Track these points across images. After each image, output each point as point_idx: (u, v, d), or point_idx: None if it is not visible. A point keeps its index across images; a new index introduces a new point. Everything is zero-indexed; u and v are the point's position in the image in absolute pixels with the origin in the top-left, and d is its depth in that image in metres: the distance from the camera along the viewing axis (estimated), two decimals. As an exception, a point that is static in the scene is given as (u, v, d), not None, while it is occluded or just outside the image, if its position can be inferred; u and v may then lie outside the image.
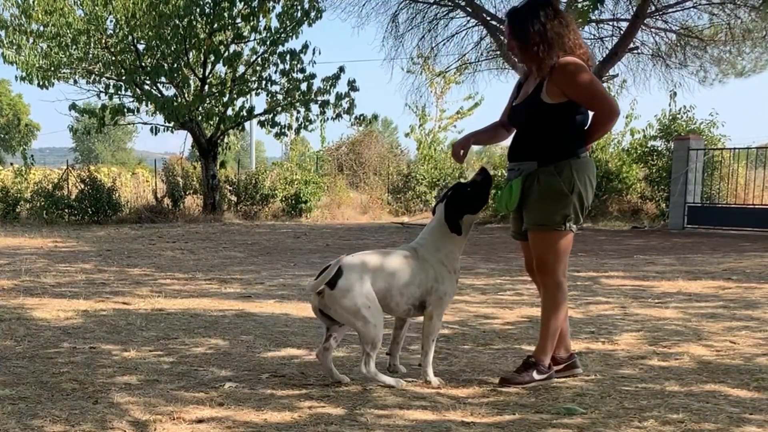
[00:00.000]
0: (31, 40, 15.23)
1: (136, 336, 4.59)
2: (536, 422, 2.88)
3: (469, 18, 15.82)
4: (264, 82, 16.56)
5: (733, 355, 4.00)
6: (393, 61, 17.06)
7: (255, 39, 16.26)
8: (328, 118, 16.98)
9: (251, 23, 15.75)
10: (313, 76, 16.29)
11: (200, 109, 15.88)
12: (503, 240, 11.84)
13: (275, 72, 16.43)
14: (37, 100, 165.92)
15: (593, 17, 11.86)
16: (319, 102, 16.52)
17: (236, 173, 19.31)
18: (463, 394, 3.29)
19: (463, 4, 15.36)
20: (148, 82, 15.94)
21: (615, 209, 16.39)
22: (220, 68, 16.89)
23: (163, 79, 15.88)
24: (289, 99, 16.56)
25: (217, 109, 16.37)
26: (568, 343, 3.64)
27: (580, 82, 3.28)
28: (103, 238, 12.27)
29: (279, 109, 16.82)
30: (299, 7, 15.70)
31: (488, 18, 14.88)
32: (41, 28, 15.07)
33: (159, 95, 15.96)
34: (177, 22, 15.12)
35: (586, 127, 3.42)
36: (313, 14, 15.71)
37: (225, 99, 16.33)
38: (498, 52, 15.66)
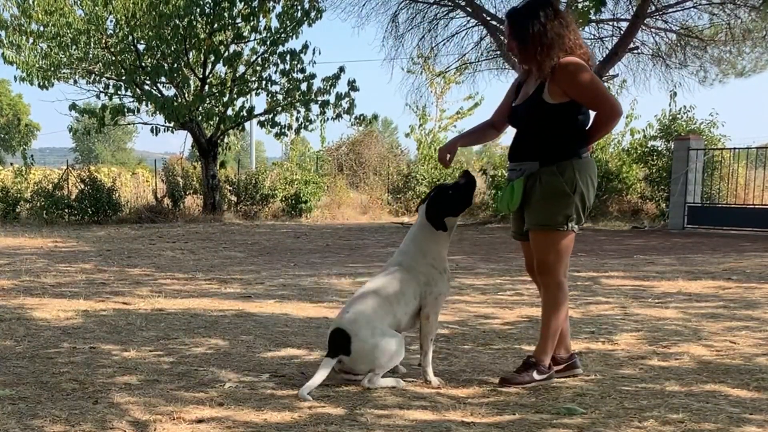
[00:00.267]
0: (31, 40, 15.23)
1: (136, 336, 4.59)
2: (536, 422, 2.88)
3: (469, 18, 15.83)
4: (264, 82, 16.55)
5: (733, 355, 4.00)
6: (393, 61, 17.10)
7: (255, 39, 16.26)
8: (328, 118, 16.99)
9: (251, 23, 15.75)
10: (313, 76, 16.30)
11: (200, 109, 15.87)
12: (503, 240, 11.84)
13: (275, 72, 16.43)
14: (37, 100, 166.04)
15: (593, 17, 11.85)
16: (319, 102, 16.51)
17: (236, 173, 19.31)
18: (463, 394, 3.29)
19: (463, 4, 15.36)
20: (148, 82, 15.94)
21: (615, 209, 16.39)
22: (220, 68, 16.90)
23: (163, 79, 15.88)
24: (289, 99, 16.55)
25: (217, 109, 16.37)
26: (569, 343, 3.64)
27: (582, 82, 3.28)
28: (103, 238, 12.27)
29: (279, 109, 16.82)
30: (299, 7, 15.70)
31: (488, 18, 14.89)
32: (41, 28, 15.07)
33: (159, 95, 15.95)
34: (177, 22, 15.12)
35: (587, 127, 3.42)
36: (313, 14, 15.71)
37: (225, 99, 16.32)
38: (498, 52, 15.67)
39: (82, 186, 16.12)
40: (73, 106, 15.79)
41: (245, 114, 16.87)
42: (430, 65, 18.93)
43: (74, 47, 15.36)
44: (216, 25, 15.54)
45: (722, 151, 15.14)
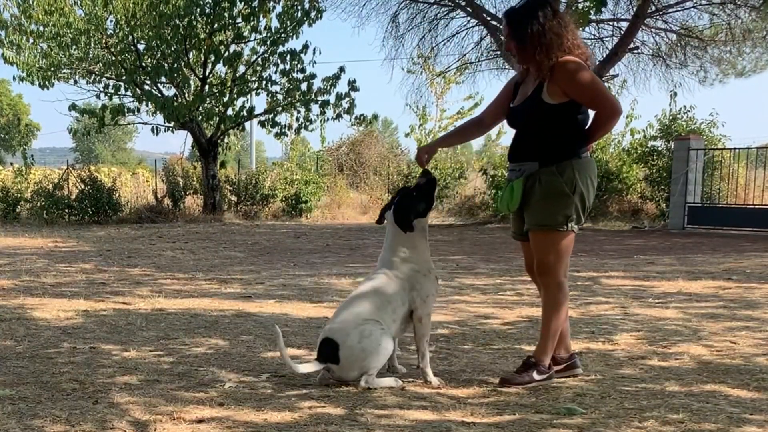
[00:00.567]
0: (31, 40, 15.24)
1: (136, 336, 4.59)
2: (536, 422, 2.88)
3: (469, 18, 15.84)
4: (264, 82, 16.56)
5: (733, 355, 4.00)
6: (393, 61, 17.12)
7: (255, 39, 16.27)
8: (328, 118, 16.99)
9: (251, 23, 15.75)
10: (313, 76, 16.30)
11: (200, 109, 15.87)
12: (503, 240, 11.84)
13: (275, 72, 16.44)
14: (37, 100, 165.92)
15: (593, 17, 11.85)
16: (319, 102, 16.51)
17: (236, 173, 19.31)
18: (463, 394, 3.29)
19: (463, 4, 15.37)
20: (148, 82, 15.94)
21: (615, 209, 16.38)
22: (221, 68, 16.90)
23: (163, 79, 15.88)
24: (289, 99, 16.56)
25: (217, 109, 16.37)
26: (568, 343, 3.64)
27: (582, 81, 3.28)
28: (103, 238, 12.27)
29: (279, 109, 16.82)
30: (299, 7, 15.70)
31: (488, 18, 14.89)
32: (41, 29, 15.07)
33: (159, 95, 15.95)
34: (177, 22, 15.12)
35: (587, 127, 3.42)
36: (313, 14, 15.71)
37: (225, 99, 16.33)
38: (498, 52, 15.67)
39: (82, 186, 16.12)
40: (73, 107, 15.80)
41: (245, 114, 16.88)
42: (430, 65, 18.91)
43: (74, 47, 15.36)
44: (216, 25, 15.54)
45: (722, 151, 15.13)
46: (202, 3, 15.24)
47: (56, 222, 15.59)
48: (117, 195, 16.61)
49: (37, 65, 15.27)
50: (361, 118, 17.08)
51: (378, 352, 3.33)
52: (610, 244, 11.15)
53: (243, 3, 15.51)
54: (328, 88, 16.40)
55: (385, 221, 3.62)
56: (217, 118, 16.48)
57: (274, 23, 15.87)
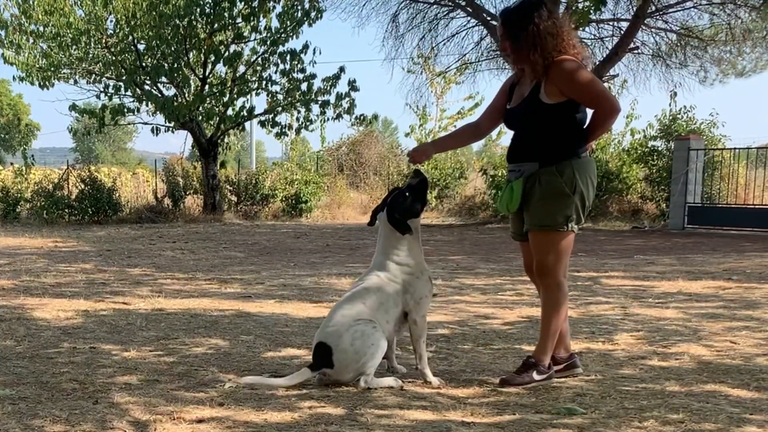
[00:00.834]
0: (31, 41, 15.24)
1: (136, 336, 4.59)
2: (536, 422, 2.88)
3: (469, 18, 15.84)
4: (264, 82, 16.56)
5: (733, 355, 4.00)
6: (393, 61, 17.10)
7: (255, 39, 16.28)
8: (328, 118, 17.00)
9: (251, 23, 15.75)
10: (313, 76, 16.30)
11: (200, 109, 15.88)
12: (503, 240, 11.84)
13: (275, 72, 16.44)
14: (37, 100, 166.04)
15: (593, 17, 11.85)
16: (319, 102, 16.52)
17: (236, 173, 19.31)
18: (463, 394, 3.29)
19: (463, 4, 15.37)
20: (148, 82, 15.94)
21: (615, 209, 16.38)
22: (221, 68, 16.91)
23: (163, 79, 15.89)
24: (289, 99, 16.56)
25: (217, 109, 16.38)
26: (568, 343, 3.64)
27: (579, 80, 3.28)
28: (103, 238, 12.27)
29: (279, 109, 16.83)
30: (299, 7, 15.70)
31: (488, 18, 14.89)
32: (41, 29, 15.08)
33: (159, 95, 15.96)
34: (177, 22, 15.12)
35: (585, 126, 3.41)
36: (313, 14, 15.72)
37: (225, 99, 16.33)
38: (498, 52, 15.65)
39: (83, 186, 16.12)
40: (73, 107, 15.81)
41: (245, 114, 16.88)
42: (430, 65, 18.92)
43: (74, 47, 15.36)
44: (216, 25, 15.55)
45: (722, 151, 15.13)
46: (202, 3, 15.24)
47: (56, 222, 15.59)
48: (117, 195, 16.61)
49: (37, 65, 15.28)
50: (361, 118, 17.08)
51: (372, 352, 3.33)
52: (610, 244, 11.15)
53: (243, 3, 15.52)
54: (328, 88, 16.40)
55: (377, 223, 3.60)
56: (217, 118, 16.49)
57: (274, 23, 15.90)
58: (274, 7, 15.81)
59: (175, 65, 15.68)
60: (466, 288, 6.68)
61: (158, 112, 15.99)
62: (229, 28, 15.81)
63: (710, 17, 14.86)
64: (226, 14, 15.34)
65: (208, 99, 16.24)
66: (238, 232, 13.68)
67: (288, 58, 16.12)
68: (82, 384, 3.46)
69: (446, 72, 19.17)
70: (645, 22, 14.52)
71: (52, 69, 15.41)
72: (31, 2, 14.84)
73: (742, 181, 15.41)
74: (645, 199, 16.54)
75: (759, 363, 3.81)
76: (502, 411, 3.03)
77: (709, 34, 15.27)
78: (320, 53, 16.25)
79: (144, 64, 15.75)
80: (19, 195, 16.12)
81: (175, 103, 15.49)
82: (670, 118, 16.18)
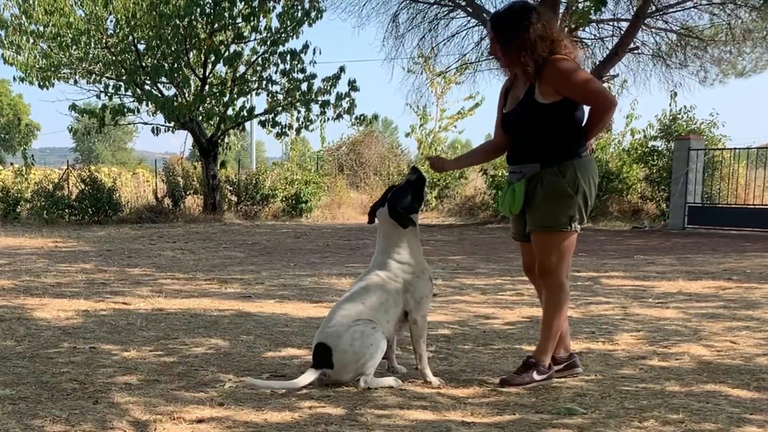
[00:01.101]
0: (31, 41, 15.24)
1: (136, 336, 4.59)
2: (536, 422, 2.88)
3: (469, 18, 15.84)
4: (264, 82, 16.56)
5: (734, 355, 4.00)
6: (393, 61, 17.12)
7: (255, 39, 16.27)
8: (328, 118, 17.00)
9: (251, 23, 15.75)
10: (313, 76, 16.30)
11: (200, 109, 15.88)
12: (503, 240, 11.84)
13: (276, 72, 16.44)
14: (38, 100, 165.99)
15: (593, 17, 11.85)
16: (319, 102, 16.52)
17: (236, 173, 19.32)
18: (463, 394, 3.29)
19: (463, 4, 15.37)
20: (148, 82, 15.94)
21: (615, 209, 16.38)
22: (221, 68, 16.91)
23: (163, 79, 15.89)
24: (289, 99, 16.56)
25: (217, 109, 16.37)
26: (568, 343, 3.63)
27: (573, 78, 3.28)
28: (103, 238, 12.28)
29: (279, 109, 16.83)
30: (299, 7, 15.70)
31: (488, 18, 14.88)
32: (41, 29, 15.08)
33: (159, 95, 15.96)
34: (177, 22, 15.12)
35: (584, 124, 3.41)
36: (313, 14, 15.72)
37: (225, 99, 16.33)
38: (497, 53, 15.64)
39: (83, 186, 16.13)
40: (73, 107, 15.82)
41: (245, 114, 16.88)
42: (430, 65, 18.91)
43: (74, 47, 15.36)
44: (216, 25, 15.55)
45: (722, 152, 15.13)
46: (202, 3, 15.24)
47: (56, 222, 15.59)
48: (117, 195, 16.61)
49: (37, 66, 15.27)
50: (361, 118, 17.08)
51: (371, 352, 3.33)
52: (610, 244, 11.15)
53: (243, 3, 15.51)
54: (329, 88, 16.40)
55: (376, 222, 3.59)
56: (217, 118, 16.49)
57: (274, 23, 15.90)
58: (274, 7, 15.81)
59: (175, 65, 15.68)
60: (466, 288, 6.68)
61: (158, 112, 15.99)
62: (229, 28, 15.81)
63: (710, 17, 14.87)
64: (226, 14, 15.34)
65: (208, 99, 16.23)
66: (238, 232, 13.68)
67: (288, 58, 16.12)
68: (82, 384, 3.46)
69: (446, 72, 19.16)
70: (645, 22, 14.52)
71: (52, 69, 15.41)
72: (31, 2, 14.84)
73: (742, 181, 15.41)
74: (645, 199, 16.54)
75: (759, 363, 3.81)
76: (502, 411, 3.03)
77: (709, 34, 15.27)
78: (320, 53, 16.28)
79: (144, 64, 15.75)
80: (19, 195, 16.12)
81: (175, 103, 15.49)
82: (670, 118, 16.18)
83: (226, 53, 15.74)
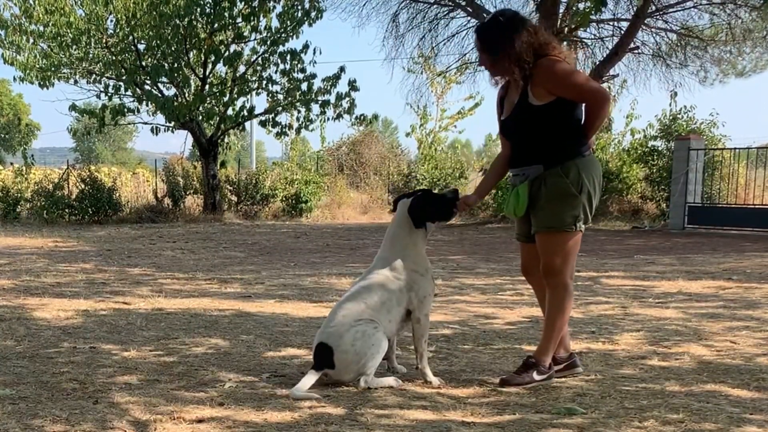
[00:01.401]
0: (31, 41, 15.23)
1: (136, 336, 4.59)
2: (536, 422, 2.88)
3: (469, 18, 15.83)
4: (264, 82, 16.55)
5: (734, 355, 4.00)
6: (393, 61, 17.10)
7: (255, 39, 16.26)
8: (328, 118, 16.99)
9: (252, 23, 15.74)
10: (313, 76, 16.30)
11: (201, 108, 15.87)
12: (503, 240, 11.85)
13: (276, 72, 16.43)
14: (38, 100, 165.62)
15: (593, 17, 11.84)
16: (319, 102, 16.51)
17: (236, 173, 19.31)
18: (463, 394, 3.29)
19: (463, 4, 15.37)
20: (148, 82, 15.94)
21: (615, 209, 16.39)
22: (221, 68, 16.90)
23: (163, 78, 15.88)
24: (289, 99, 16.55)
25: (217, 108, 16.37)
26: (568, 343, 3.64)
27: (563, 76, 3.29)
28: (103, 238, 12.28)
29: (279, 109, 16.82)
30: (299, 7, 15.70)
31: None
32: (41, 28, 15.07)
33: (159, 95, 15.96)
34: (177, 21, 15.11)
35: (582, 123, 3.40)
36: (313, 14, 15.71)
37: (225, 99, 16.33)
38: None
39: (83, 186, 16.13)
40: (73, 107, 15.81)
41: (245, 114, 16.88)
42: (430, 65, 18.93)
43: (75, 47, 15.35)
44: (216, 25, 15.54)
45: (722, 151, 15.14)
46: (202, 3, 15.24)
47: (56, 222, 15.59)
48: (117, 195, 16.61)
49: (37, 65, 15.27)
50: (362, 118, 17.08)
51: (372, 352, 3.33)
52: (610, 244, 11.15)
53: (243, 3, 15.51)
54: (329, 88, 16.40)
55: (395, 213, 3.59)
56: (217, 118, 16.49)
57: (274, 23, 15.89)
58: (274, 7, 15.81)
59: (175, 65, 15.67)
60: (466, 288, 6.68)
61: (158, 112, 15.98)
62: (229, 27, 15.81)
63: (710, 17, 14.86)
64: (226, 14, 15.34)
65: (208, 99, 16.23)
66: (238, 232, 13.68)
67: (288, 57, 16.12)
68: (82, 384, 3.46)
69: (446, 72, 19.17)
70: (645, 22, 14.52)
71: (52, 69, 15.41)
72: (32, 1, 14.84)
73: (742, 181, 15.42)
74: (645, 199, 16.55)
75: (759, 363, 3.82)
76: (502, 411, 3.03)
77: (709, 34, 15.27)
78: (320, 53, 16.27)
79: (144, 64, 15.74)
80: (19, 195, 16.12)
81: (175, 103, 15.49)
82: (670, 118, 16.19)
83: (226, 53, 15.74)
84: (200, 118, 16.34)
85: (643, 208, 16.51)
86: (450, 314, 5.33)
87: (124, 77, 15.76)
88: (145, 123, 17.02)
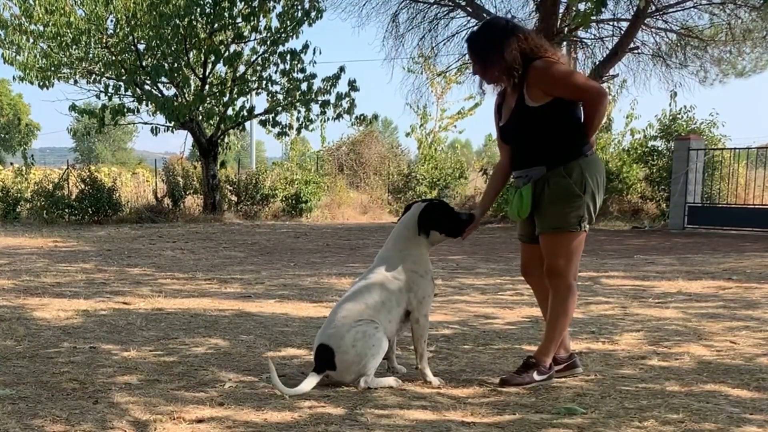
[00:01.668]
0: (31, 41, 15.23)
1: (136, 336, 4.59)
2: (536, 422, 2.88)
3: (469, 18, 15.82)
4: (264, 82, 16.56)
5: (734, 355, 4.00)
6: (393, 61, 17.08)
7: (255, 39, 16.28)
8: (328, 118, 17.00)
9: (251, 23, 15.75)
10: (313, 76, 16.31)
11: (200, 108, 15.88)
12: (503, 240, 11.86)
13: (276, 72, 16.44)
14: (38, 100, 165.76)
15: (594, 17, 11.84)
16: (319, 102, 16.52)
17: (236, 173, 19.32)
18: (463, 394, 3.29)
19: (463, 3, 15.37)
20: (148, 82, 15.94)
21: (615, 209, 16.39)
22: (221, 68, 16.91)
23: (163, 79, 15.89)
24: (289, 99, 16.56)
25: (217, 108, 16.38)
26: (568, 343, 3.63)
27: (557, 76, 3.29)
28: (103, 238, 12.27)
29: (279, 109, 16.83)
30: (299, 7, 15.70)
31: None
32: (41, 28, 15.07)
33: (159, 95, 15.96)
34: (177, 21, 15.11)
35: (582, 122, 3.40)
36: (313, 14, 15.72)
37: (225, 99, 16.33)
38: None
39: (83, 186, 16.13)
40: (73, 107, 15.82)
41: (245, 114, 16.88)
42: (430, 65, 18.94)
43: (75, 47, 15.35)
44: (216, 25, 15.55)
45: (722, 151, 15.14)
46: (202, 3, 15.24)
47: (56, 222, 15.59)
48: (117, 195, 16.61)
49: (37, 65, 15.27)
50: (361, 118, 17.09)
51: (373, 352, 3.33)
52: (610, 244, 11.15)
53: (243, 3, 15.51)
54: (329, 88, 16.40)
55: (405, 214, 3.59)
56: (217, 118, 16.49)
57: (274, 23, 15.89)
58: (274, 7, 15.81)
59: (175, 65, 15.67)
60: (466, 288, 6.68)
61: (158, 112, 15.98)
62: (229, 28, 15.81)
63: (710, 17, 14.86)
64: (226, 14, 15.34)
65: (208, 99, 16.23)
66: (238, 232, 13.68)
67: (288, 57, 16.12)
68: (82, 384, 3.46)
69: (446, 72, 19.18)
70: (645, 22, 14.52)
71: (52, 69, 15.41)
72: (32, 1, 14.83)
73: (742, 181, 15.42)
74: (645, 199, 16.54)
75: (759, 363, 3.81)
76: (502, 411, 3.03)
77: (709, 34, 15.27)
78: (320, 53, 16.28)
79: (144, 64, 15.74)
80: (19, 195, 16.12)
81: (175, 103, 15.49)
82: (670, 118, 16.19)
83: (226, 53, 15.74)
84: (200, 118, 16.35)
85: (643, 208, 16.51)
86: (450, 314, 5.33)
87: (124, 77, 15.77)
88: (145, 123, 17.04)
